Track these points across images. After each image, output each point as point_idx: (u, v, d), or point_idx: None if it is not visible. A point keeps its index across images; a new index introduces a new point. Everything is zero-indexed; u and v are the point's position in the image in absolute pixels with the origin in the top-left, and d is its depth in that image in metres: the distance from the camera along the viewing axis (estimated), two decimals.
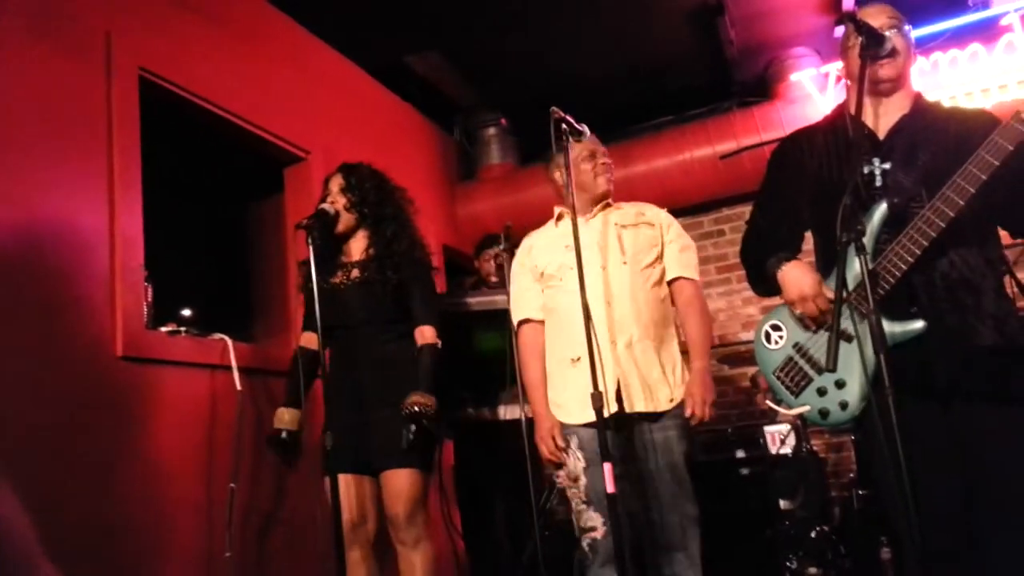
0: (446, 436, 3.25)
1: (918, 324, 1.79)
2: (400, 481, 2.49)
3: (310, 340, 2.67)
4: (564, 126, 2.32)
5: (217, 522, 2.71)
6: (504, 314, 2.73)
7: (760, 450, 3.91)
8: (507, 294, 2.70)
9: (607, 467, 2.03)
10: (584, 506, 2.35)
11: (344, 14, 3.92)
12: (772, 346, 2.04)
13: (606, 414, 2.26)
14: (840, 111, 2.08)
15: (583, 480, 2.36)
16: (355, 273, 2.68)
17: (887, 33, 1.93)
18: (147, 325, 2.64)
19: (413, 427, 2.44)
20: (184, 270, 3.38)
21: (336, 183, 2.73)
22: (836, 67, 4.41)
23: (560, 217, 2.65)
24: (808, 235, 2.13)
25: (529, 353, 2.57)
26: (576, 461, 2.37)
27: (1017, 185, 1.77)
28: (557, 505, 3.39)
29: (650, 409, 2.36)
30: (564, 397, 2.45)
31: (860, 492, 3.36)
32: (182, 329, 2.78)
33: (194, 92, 3.02)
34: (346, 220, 2.69)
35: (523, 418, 2.85)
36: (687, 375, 2.46)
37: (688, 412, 2.35)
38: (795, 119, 4.42)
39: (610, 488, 2.02)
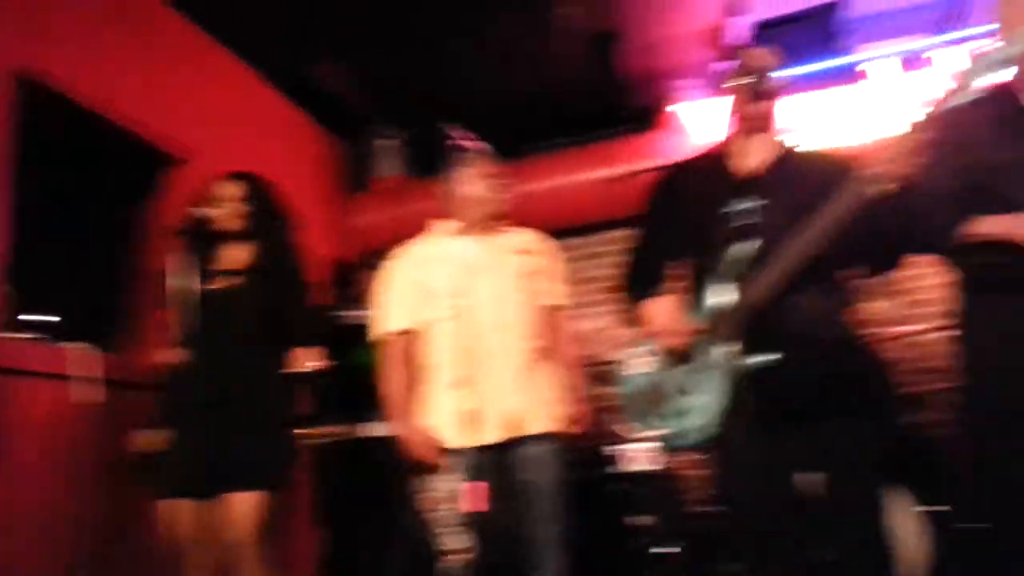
0: (311, 453, 3.17)
1: (771, 357, 1.88)
2: (244, 505, 2.38)
3: (178, 354, 2.55)
4: (456, 142, 2.34)
5: (65, 543, 2.53)
6: None
7: (619, 468, 4.00)
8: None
9: (480, 486, 2.04)
10: (449, 529, 2.34)
11: (247, 19, 3.82)
12: (635, 370, 2.12)
13: (490, 440, 2.32)
14: (719, 147, 2.18)
15: (450, 503, 2.35)
16: (230, 283, 2.58)
17: (761, 75, 2.04)
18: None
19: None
20: (55, 274, 3.17)
21: (226, 190, 2.63)
22: (717, 101, 4.63)
23: (453, 231, 2.62)
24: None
25: (399, 366, 2.51)
26: (446, 483, 2.36)
27: (865, 232, 1.86)
28: (420, 525, 3.37)
29: (532, 432, 2.40)
30: (439, 420, 2.43)
31: (712, 509, 3.50)
32: (43, 337, 2.60)
33: (70, 87, 2.86)
34: (231, 229, 2.60)
35: (389, 435, 2.82)
36: (565, 398, 2.50)
37: (561, 427, 2.41)
38: (677, 148, 4.62)
39: (482, 507, 2.04)
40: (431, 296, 2.49)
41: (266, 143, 4.22)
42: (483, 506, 2.03)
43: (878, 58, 4.42)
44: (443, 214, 2.67)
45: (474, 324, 2.42)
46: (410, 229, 4.70)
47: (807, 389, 1.89)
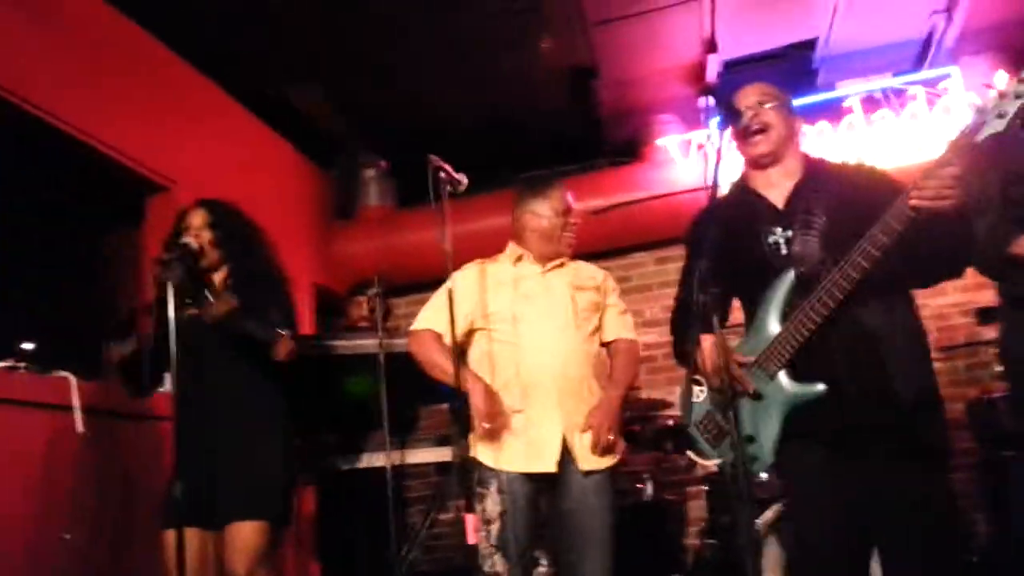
0: (308, 484, 3.14)
1: (819, 387, 1.88)
2: (244, 535, 2.35)
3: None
4: (442, 174, 2.36)
5: (48, 571, 2.48)
6: (373, 359, 2.69)
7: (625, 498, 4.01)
8: (377, 339, 2.66)
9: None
10: (491, 550, 2.33)
11: (230, 47, 3.84)
12: (695, 399, 2.12)
13: (548, 469, 2.36)
14: (740, 183, 2.17)
15: (496, 524, 2.35)
16: (211, 310, 2.56)
17: (747, 111, 2.05)
18: None
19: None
20: (35, 302, 3.14)
21: (199, 218, 2.62)
22: (699, 134, 4.72)
23: (519, 259, 2.63)
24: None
25: (436, 351, 2.51)
26: (494, 505, 2.36)
27: (911, 250, 1.83)
28: (422, 556, 3.34)
29: (589, 468, 2.41)
30: (504, 444, 2.43)
31: (708, 541, 3.50)
32: (20, 365, 2.57)
33: (49, 112, 2.85)
34: (210, 257, 2.59)
35: (388, 467, 2.81)
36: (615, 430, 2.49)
37: (585, 429, 2.42)
38: (660, 180, 4.70)
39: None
40: (487, 317, 2.51)
41: (249, 171, 4.21)
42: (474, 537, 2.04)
43: (856, 94, 4.53)
44: (514, 238, 2.68)
45: (530, 353, 2.45)
46: (396, 259, 4.75)
47: (871, 417, 1.87)
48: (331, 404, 3.10)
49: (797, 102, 4.53)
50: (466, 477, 2.43)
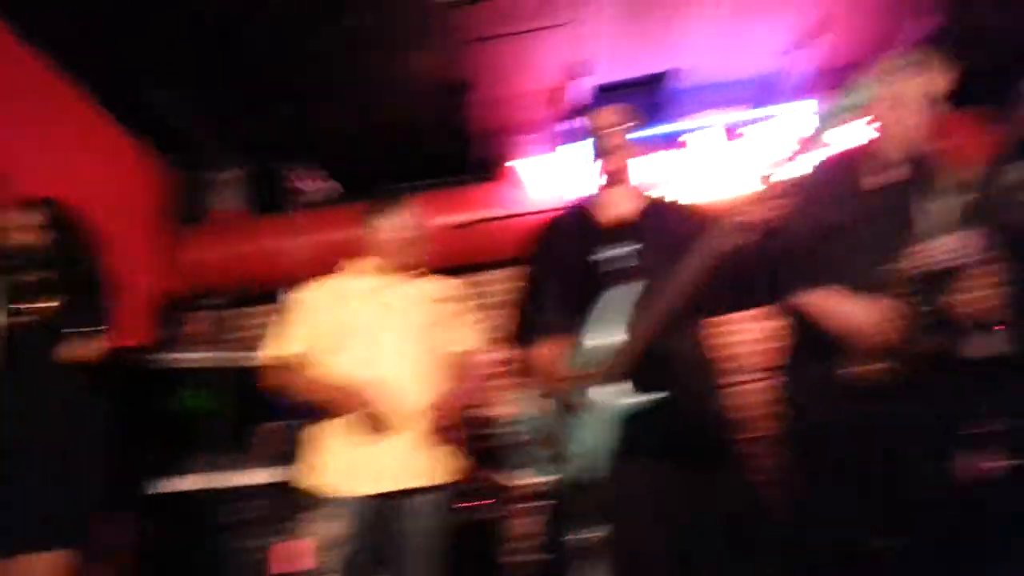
0: (129, 507, 2.91)
1: (644, 400, 1.95)
2: (40, 569, 2.15)
3: None
4: (301, 183, 2.29)
5: None
6: (211, 374, 2.55)
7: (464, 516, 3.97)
8: (217, 352, 2.53)
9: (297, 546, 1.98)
10: (331, 573, 2.27)
11: (74, 34, 3.56)
12: (529, 415, 2.15)
13: (389, 488, 2.31)
14: (586, 200, 2.26)
15: (335, 547, 2.29)
16: (32, 315, 2.36)
17: (602, 132, 2.14)
18: None
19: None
20: None
21: (25, 217, 2.44)
22: (559, 155, 4.83)
23: (374, 271, 2.60)
24: None
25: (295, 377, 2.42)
26: (332, 527, 2.29)
27: (731, 275, 1.97)
28: None
29: (430, 486, 2.39)
30: (335, 464, 2.36)
31: (544, 556, 3.53)
32: None
33: None
34: (33, 258, 2.38)
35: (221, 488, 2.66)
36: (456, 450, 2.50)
37: (449, 477, 2.42)
38: (519, 200, 4.78)
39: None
40: (345, 333, 2.44)
41: (90, 166, 3.92)
42: (294, 567, 1.97)
43: (702, 127, 4.79)
44: (363, 251, 2.64)
45: (382, 368, 2.40)
46: (249, 266, 4.54)
47: (685, 431, 1.97)
48: (163, 420, 2.89)
49: (651, 130, 4.79)
50: (303, 499, 2.34)
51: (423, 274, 2.67)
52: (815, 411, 2.17)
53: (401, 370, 2.44)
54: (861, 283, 2.07)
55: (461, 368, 2.64)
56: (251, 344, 4.42)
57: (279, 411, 3.17)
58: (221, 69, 3.99)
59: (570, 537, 1.96)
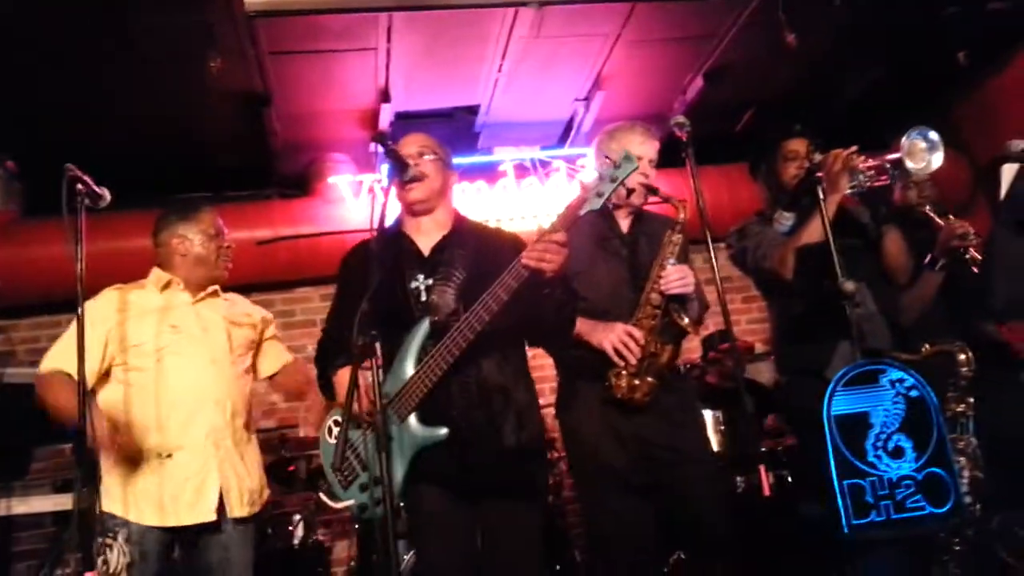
0: None
1: (443, 431, 2.01)
2: None
3: None
4: (80, 186, 2.14)
5: None
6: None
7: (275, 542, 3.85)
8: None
9: None
10: None
11: None
12: (332, 440, 2.13)
13: (206, 519, 2.23)
14: (398, 225, 2.28)
15: None
16: None
17: (408, 160, 2.19)
18: None
19: None
20: None
21: None
22: (370, 177, 4.85)
23: (167, 286, 2.45)
24: None
25: (66, 395, 2.19)
26: (120, 556, 2.15)
27: (526, 313, 2.09)
28: None
29: (245, 513, 2.32)
30: (139, 492, 2.23)
31: None
32: None
33: None
34: None
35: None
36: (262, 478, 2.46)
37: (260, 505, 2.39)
38: (330, 217, 4.73)
39: None
40: (149, 359, 2.30)
41: None
42: None
43: (510, 160, 5.04)
44: (160, 264, 2.51)
45: (177, 390, 2.28)
46: (19, 273, 4.09)
47: (482, 464, 2.05)
48: None
49: (458, 160, 4.92)
50: (89, 528, 2.18)
51: (227, 291, 2.59)
52: (589, 429, 2.39)
53: (208, 391, 2.36)
54: (610, 315, 2.39)
55: (289, 374, 2.63)
56: (24, 358, 4.01)
57: (62, 433, 2.91)
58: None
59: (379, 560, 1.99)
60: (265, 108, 4.34)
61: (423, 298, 2.13)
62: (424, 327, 2.08)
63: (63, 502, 2.88)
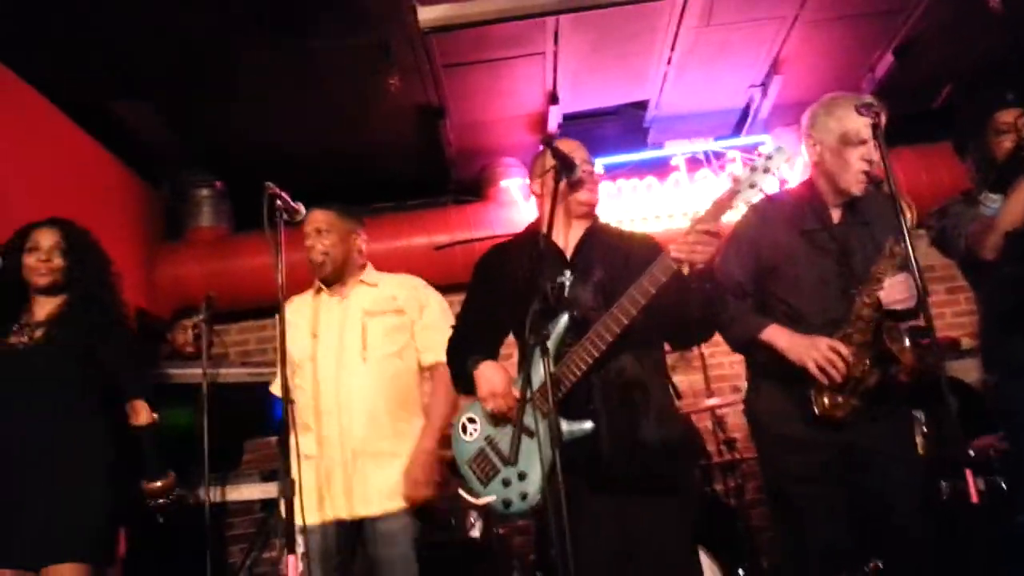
0: (127, 522, 2.92)
1: (588, 424, 1.99)
2: None
3: None
4: (279, 202, 2.32)
5: None
6: (197, 389, 2.57)
7: (455, 533, 4.00)
8: (202, 367, 2.56)
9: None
10: None
11: (47, 49, 3.56)
12: (467, 437, 2.15)
13: (332, 516, 2.33)
14: (534, 226, 2.29)
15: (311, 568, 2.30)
16: (33, 337, 2.39)
17: (581, 164, 2.19)
18: None
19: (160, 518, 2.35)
20: None
21: (43, 238, 2.44)
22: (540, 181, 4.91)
23: (319, 291, 2.61)
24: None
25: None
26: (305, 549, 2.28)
27: (671, 308, 2.03)
28: None
29: (380, 512, 2.40)
30: (306, 486, 2.33)
31: (538, 574, 3.57)
32: None
33: None
34: (48, 278, 2.43)
35: (207, 503, 2.68)
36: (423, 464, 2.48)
37: (417, 498, 2.42)
38: (503, 220, 4.83)
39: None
40: (290, 362, 2.43)
41: (67, 183, 3.91)
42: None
43: (682, 153, 4.91)
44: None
45: (322, 396, 2.41)
46: (229, 284, 4.54)
47: (623, 459, 2.01)
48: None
49: (628, 157, 4.89)
50: (285, 516, 2.37)
51: (365, 281, 2.66)
52: (781, 431, 2.27)
53: (348, 392, 2.45)
54: (810, 320, 2.23)
55: (434, 385, 2.61)
56: (235, 359, 4.42)
57: (269, 427, 3.18)
58: (195, 84, 3.98)
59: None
60: (440, 120, 4.51)
61: (564, 294, 2.12)
62: (563, 321, 2.06)
63: (270, 490, 3.10)
